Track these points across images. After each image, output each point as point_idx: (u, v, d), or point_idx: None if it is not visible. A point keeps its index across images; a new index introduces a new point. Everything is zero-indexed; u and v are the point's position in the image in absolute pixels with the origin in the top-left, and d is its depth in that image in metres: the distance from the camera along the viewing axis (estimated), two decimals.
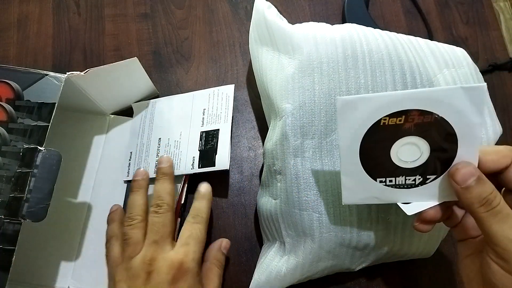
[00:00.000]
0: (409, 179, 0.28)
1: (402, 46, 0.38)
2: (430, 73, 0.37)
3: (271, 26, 0.40)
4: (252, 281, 0.39)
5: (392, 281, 0.43)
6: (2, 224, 0.33)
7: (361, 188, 0.29)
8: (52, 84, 0.37)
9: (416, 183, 0.28)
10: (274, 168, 0.37)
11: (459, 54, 0.41)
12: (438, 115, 0.26)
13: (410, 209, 0.28)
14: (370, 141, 0.27)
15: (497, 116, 0.40)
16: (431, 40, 0.42)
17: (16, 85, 0.37)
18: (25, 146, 0.35)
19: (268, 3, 0.42)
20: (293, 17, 0.53)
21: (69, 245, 0.43)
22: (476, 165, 0.26)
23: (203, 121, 0.44)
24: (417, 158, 0.27)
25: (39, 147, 0.35)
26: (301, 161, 0.35)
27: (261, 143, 0.48)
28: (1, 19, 0.53)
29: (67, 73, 0.37)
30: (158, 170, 0.41)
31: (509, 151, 0.26)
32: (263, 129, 0.48)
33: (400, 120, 0.26)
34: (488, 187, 0.25)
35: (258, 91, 0.44)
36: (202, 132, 0.44)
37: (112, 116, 0.48)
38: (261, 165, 0.47)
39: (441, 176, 0.27)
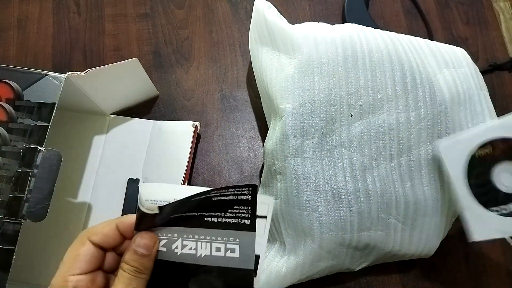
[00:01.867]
0: None
1: (402, 46, 0.38)
2: (430, 73, 0.37)
3: (271, 26, 0.40)
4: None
5: (392, 281, 0.43)
6: (2, 224, 0.33)
7: (485, 221, 0.31)
8: (52, 84, 0.37)
9: None
10: (274, 168, 0.37)
11: (459, 54, 0.41)
12: None
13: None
14: (473, 173, 0.31)
15: (497, 116, 0.40)
16: (431, 40, 0.42)
17: (16, 85, 0.37)
18: (25, 146, 0.35)
19: (268, 3, 0.42)
20: (293, 17, 0.53)
21: (69, 245, 0.43)
22: None
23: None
24: None
25: (39, 147, 0.35)
26: (301, 161, 0.35)
27: (261, 143, 0.48)
28: (1, 19, 0.53)
29: (67, 73, 0.37)
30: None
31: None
32: (263, 129, 0.48)
33: (488, 149, 0.30)
34: None
35: (258, 91, 0.44)
36: None
37: (112, 116, 0.48)
38: (261, 165, 0.47)
39: None
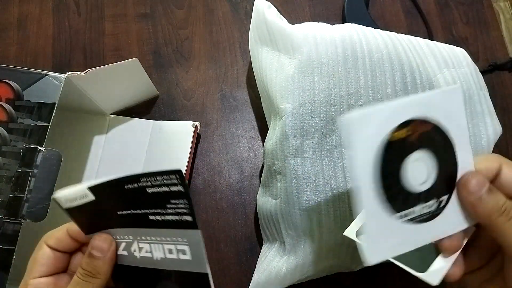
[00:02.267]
0: (425, 207, 0.24)
1: (402, 46, 0.38)
2: (430, 73, 0.37)
3: (271, 26, 0.40)
4: (252, 281, 0.39)
5: (392, 281, 0.43)
6: (2, 224, 0.33)
7: (385, 234, 0.23)
8: (52, 84, 0.37)
9: (433, 211, 0.24)
10: (274, 168, 0.37)
11: (459, 54, 0.41)
12: (434, 122, 0.23)
13: (434, 278, 0.24)
14: (385, 166, 0.22)
15: (497, 116, 0.40)
16: (431, 40, 0.42)
17: (16, 85, 0.37)
18: (25, 146, 0.35)
19: (268, 3, 0.42)
20: (293, 17, 0.53)
21: None
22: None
23: None
24: (428, 178, 0.23)
25: (39, 147, 0.35)
26: (301, 161, 0.35)
27: (261, 143, 0.48)
28: (1, 19, 0.53)
29: (67, 73, 0.37)
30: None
31: (496, 156, 0.25)
32: (263, 129, 0.48)
33: (405, 133, 0.22)
34: (501, 195, 0.23)
35: (258, 91, 0.44)
36: None
37: (112, 116, 0.48)
38: (261, 165, 0.47)
39: (453, 195, 0.24)
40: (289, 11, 0.54)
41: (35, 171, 0.34)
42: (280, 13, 0.42)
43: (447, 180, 0.24)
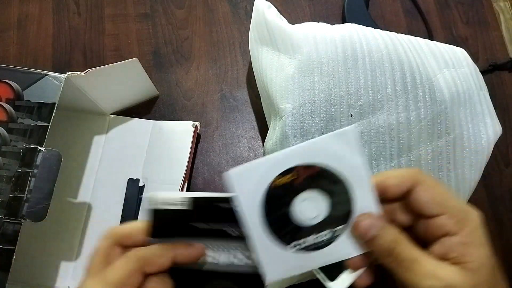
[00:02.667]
0: (319, 237, 0.26)
1: (402, 46, 0.38)
2: (430, 73, 0.37)
3: (271, 26, 0.40)
4: None
5: (392, 281, 0.43)
6: (2, 224, 0.33)
7: (279, 261, 0.26)
8: (52, 84, 0.37)
9: (328, 239, 0.26)
10: None
11: (459, 54, 0.41)
12: (320, 165, 0.25)
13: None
14: (270, 207, 0.26)
15: (497, 116, 0.40)
16: (431, 40, 0.42)
17: (16, 85, 0.37)
18: (25, 146, 0.35)
19: (268, 3, 0.42)
20: (293, 17, 0.53)
21: (69, 245, 0.43)
22: (374, 206, 0.25)
23: None
24: (319, 213, 0.26)
25: (39, 147, 0.35)
26: None
27: (261, 143, 0.48)
28: (1, 19, 0.53)
29: (67, 73, 0.37)
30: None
31: (412, 173, 0.25)
32: (263, 129, 0.48)
33: (289, 178, 0.25)
34: (390, 234, 0.24)
35: (258, 91, 0.44)
36: None
37: (112, 116, 0.48)
38: None
39: (348, 225, 0.26)
40: (289, 11, 0.54)
41: (35, 171, 0.34)
42: (280, 13, 0.42)
43: (342, 213, 0.26)
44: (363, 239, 0.25)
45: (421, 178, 0.25)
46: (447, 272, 0.23)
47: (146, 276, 0.25)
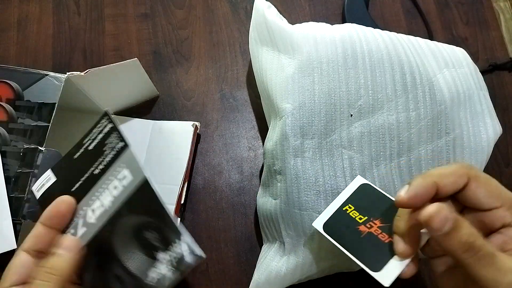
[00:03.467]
0: None
1: (402, 46, 0.38)
2: (430, 73, 0.37)
3: (271, 26, 0.40)
4: (252, 281, 0.39)
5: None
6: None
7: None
8: (52, 84, 0.37)
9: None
10: (274, 168, 0.37)
11: (459, 54, 0.41)
12: None
13: (386, 279, 0.26)
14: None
15: (497, 116, 0.40)
16: (431, 40, 0.42)
17: (16, 85, 0.37)
18: (26, 146, 0.35)
19: (268, 3, 0.42)
20: (293, 17, 0.53)
21: None
22: None
23: None
24: None
25: (40, 147, 0.35)
26: (301, 161, 0.35)
27: (261, 143, 0.48)
28: (1, 19, 0.53)
29: (67, 73, 0.37)
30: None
31: (465, 169, 0.25)
32: (263, 129, 0.49)
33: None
34: (466, 228, 0.23)
35: (258, 91, 0.44)
36: None
37: (112, 116, 0.48)
38: (261, 165, 0.47)
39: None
40: (289, 11, 0.54)
41: (36, 171, 0.34)
42: (280, 13, 0.42)
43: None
44: (438, 232, 0.23)
45: (474, 174, 0.25)
46: None
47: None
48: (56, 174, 0.27)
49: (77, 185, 0.27)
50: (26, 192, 0.34)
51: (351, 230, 0.29)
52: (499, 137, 0.39)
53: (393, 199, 0.29)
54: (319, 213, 0.35)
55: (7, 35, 0.52)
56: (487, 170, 0.40)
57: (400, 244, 0.26)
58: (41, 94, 0.37)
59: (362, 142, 0.36)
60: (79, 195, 0.27)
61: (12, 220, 0.33)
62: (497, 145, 0.40)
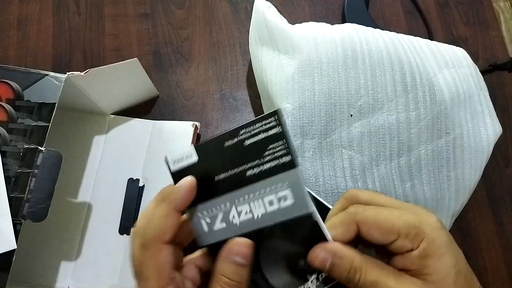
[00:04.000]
0: None
1: (402, 46, 0.38)
2: (430, 73, 0.37)
3: (271, 26, 0.40)
4: None
5: None
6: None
7: None
8: (52, 84, 0.37)
9: None
10: None
11: (459, 54, 0.41)
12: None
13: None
14: None
15: (497, 116, 0.40)
16: (431, 40, 0.42)
17: (16, 85, 0.37)
18: (25, 146, 0.35)
19: (268, 3, 0.42)
20: (293, 17, 0.53)
21: (69, 245, 0.43)
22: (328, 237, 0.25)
23: None
24: None
25: (40, 147, 0.35)
26: (301, 161, 0.35)
27: None
28: (1, 19, 0.53)
29: (67, 73, 0.37)
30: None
31: (350, 215, 0.26)
32: None
33: None
34: (345, 264, 0.24)
35: (258, 91, 0.44)
36: None
37: (112, 116, 0.48)
38: None
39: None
40: (289, 11, 0.54)
41: (36, 171, 0.34)
42: (280, 13, 0.42)
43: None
44: (322, 269, 0.25)
45: (361, 217, 0.25)
46: (408, 286, 0.23)
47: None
48: (199, 154, 0.25)
49: (223, 176, 0.25)
50: (26, 192, 0.34)
51: None
52: (499, 137, 0.39)
53: (329, 206, 0.30)
54: None
55: (7, 35, 0.52)
56: (487, 170, 0.40)
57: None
58: (41, 94, 0.37)
59: (362, 142, 0.36)
60: (222, 188, 0.25)
61: (12, 220, 0.33)
62: (497, 145, 0.40)
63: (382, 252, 0.26)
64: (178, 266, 0.25)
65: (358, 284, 0.24)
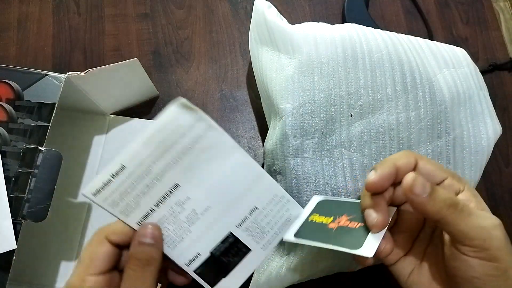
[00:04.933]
0: None
1: (402, 46, 0.38)
2: (430, 73, 0.37)
3: (271, 26, 0.40)
4: (251, 281, 0.39)
5: (392, 281, 0.43)
6: None
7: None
8: (52, 84, 0.37)
9: None
10: (274, 168, 0.37)
11: (459, 54, 0.41)
12: None
13: (368, 251, 0.27)
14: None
15: (497, 116, 0.40)
16: (431, 40, 0.42)
17: (16, 85, 0.37)
18: (26, 146, 0.35)
19: (268, 3, 0.42)
20: (293, 17, 0.53)
21: (69, 245, 0.43)
22: None
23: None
24: None
25: (40, 147, 0.35)
26: (301, 161, 0.35)
27: (261, 143, 0.48)
28: (1, 19, 0.53)
29: (67, 73, 0.37)
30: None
31: (409, 152, 0.28)
32: (263, 129, 0.49)
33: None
34: (443, 188, 0.26)
35: (258, 91, 0.44)
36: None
37: (112, 116, 0.48)
38: (261, 165, 0.47)
39: None
40: (289, 11, 0.54)
41: (36, 171, 0.34)
42: (280, 13, 0.42)
43: None
44: (422, 195, 0.25)
45: (418, 155, 0.28)
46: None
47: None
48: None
49: None
50: (26, 192, 0.34)
51: (322, 230, 0.30)
52: (499, 137, 0.39)
53: (351, 200, 0.32)
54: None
55: (7, 35, 0.52)
56: (487, 170, 0.40)
57: (372, 215, 0.27)
58: (41, 94, 0.37)
59: (362, 142, 0.36)
60: None
61: (13, 220, 0.33)
62: (497, 145, 0.40)
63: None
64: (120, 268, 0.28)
65: (459, 204, 0.25)
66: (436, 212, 0.25)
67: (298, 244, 0.31)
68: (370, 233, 0.27)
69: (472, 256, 0.25)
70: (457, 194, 0.27)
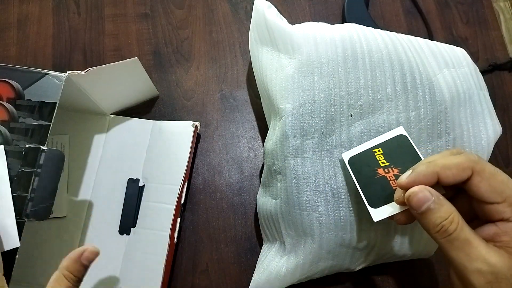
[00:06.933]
0: None
1: (402, 46, 0.38)
2: (430, 73, 0.37)
3: (271, 26, 0.40)
4: (252, 281, 0.39)
5: (392, 281, 0.43)
6: None
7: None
8: (53, 84, 0.37)
9: None
10: (274, 168, 0.38)
11: (459, 54, 0.41)
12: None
13: (376, 216, 0.30)
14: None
15: (497, 116, 0.40)
16: (431, 40, 0.42)
17: (17, 84, 0.37)
18: (27, 145, 0.35)
19: (268, 3, 0.42)
20: (293, 17, 0.53)
21: (70, 244, 0.43)
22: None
23: None
24: None
25: (42, 147, 0.35)
26: (301, 161, 0.35)
27: (261, 143, 0.48)
28: (1, 19, 0.53)
29: (68, 72, 0.37)
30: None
31: (470, 162, 0.25)
32: (263, 129, 0.49)
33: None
34: (444, 212, 0.25)
35: (258, 91, 0.44)
36: None
37: (112, 116, 0.48)
38: (261, 165, 0.47)
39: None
40: (289, 11, 0.54)
41: (39, 170, 0.34)
42: (280, 13, 0.42)
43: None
44: (416, 211, 0.25)
45: (480, 168, 0.25)
46: (497, 258, 0.24)
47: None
48: None
49: None
50: (29, 191, 0.34)
51: (370, 169, 0.32)
52: (499, 137, 0.39)
53: (422, 157, 0.31)
54: (319, 213, 0.35)
55: (7, 35, 0.52)
56: None
57: (399, 193, 0.28)
58: (42, 93, 0.37)
59: (362, 142, 0.36)
60: None
61: (16, 219, 0.33)
62: (497, 145, 0.40)
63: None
64: None
65: (450, 235, 0.24)
66: (426, 231, 0.26)
67: (345, 167, 0.34)
68: (393, 202, 0.29)
69: (456, 279, 0.26)
70: (500, 220, 0.25)
